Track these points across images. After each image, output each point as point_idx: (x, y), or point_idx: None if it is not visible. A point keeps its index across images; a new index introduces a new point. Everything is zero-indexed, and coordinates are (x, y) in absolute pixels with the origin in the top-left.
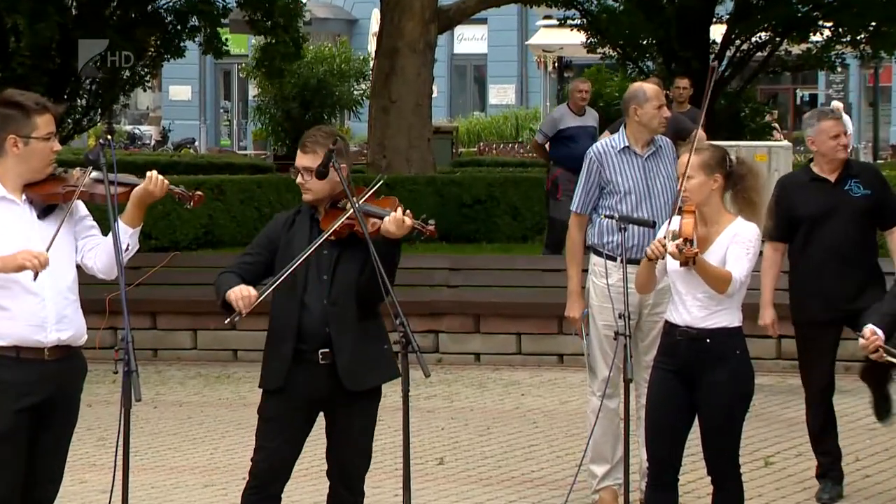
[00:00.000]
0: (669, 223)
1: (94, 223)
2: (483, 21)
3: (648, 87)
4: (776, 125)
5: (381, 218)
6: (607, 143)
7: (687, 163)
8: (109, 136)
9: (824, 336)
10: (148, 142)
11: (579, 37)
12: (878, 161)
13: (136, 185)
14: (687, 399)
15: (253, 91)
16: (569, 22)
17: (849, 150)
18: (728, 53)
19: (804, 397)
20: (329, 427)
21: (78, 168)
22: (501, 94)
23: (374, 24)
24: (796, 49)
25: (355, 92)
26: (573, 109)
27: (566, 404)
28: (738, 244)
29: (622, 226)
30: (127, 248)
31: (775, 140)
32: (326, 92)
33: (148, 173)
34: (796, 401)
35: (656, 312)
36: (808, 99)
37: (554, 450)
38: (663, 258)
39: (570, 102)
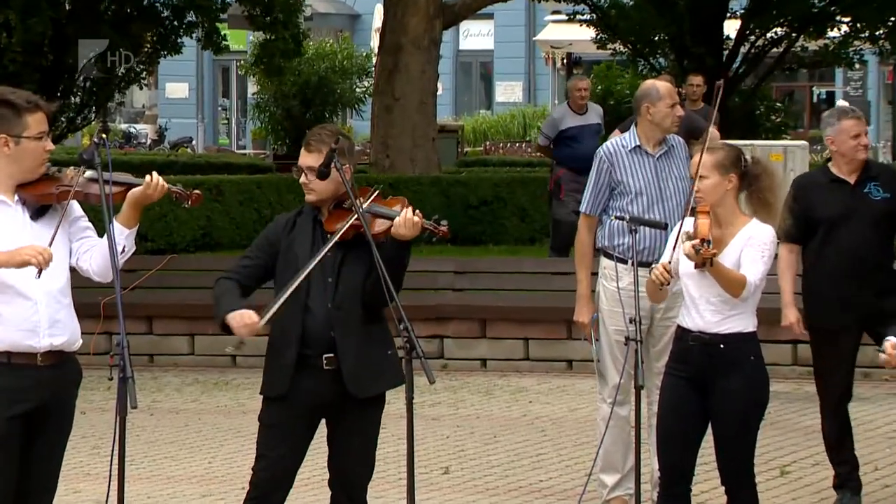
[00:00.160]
0: (680, 226)
1: (90, 224)
2: (489, 16)
3: (661, 85)
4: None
5: (391, 219)
6: (618, 142)
7: (699, 162)
8: (104, 135)
9: (840, 342)
10: (144, 141)
11: (589, 32)
12: None
13: (131, 185)
14: (700, 406)
15: (252, 88)
16: (578, 17)
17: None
18: (742, 50)
19: (819, 405)
20: (331, 434)
21: (72, 168)
22: (508, 92)
23: (377, 20)
24: (813, 45)
25: (358, 89)
26: (574, 108)
27: (575, 412)
28: (753, 247)
29: (633, 227)
30: (122, 250)
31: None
32: (328, 89)
33: (148, 176)
34: (813, 408)
35: (668, 317)
36: (824, 97)
37: (563, 459)
38: (668, 284)
39: (570, 101)
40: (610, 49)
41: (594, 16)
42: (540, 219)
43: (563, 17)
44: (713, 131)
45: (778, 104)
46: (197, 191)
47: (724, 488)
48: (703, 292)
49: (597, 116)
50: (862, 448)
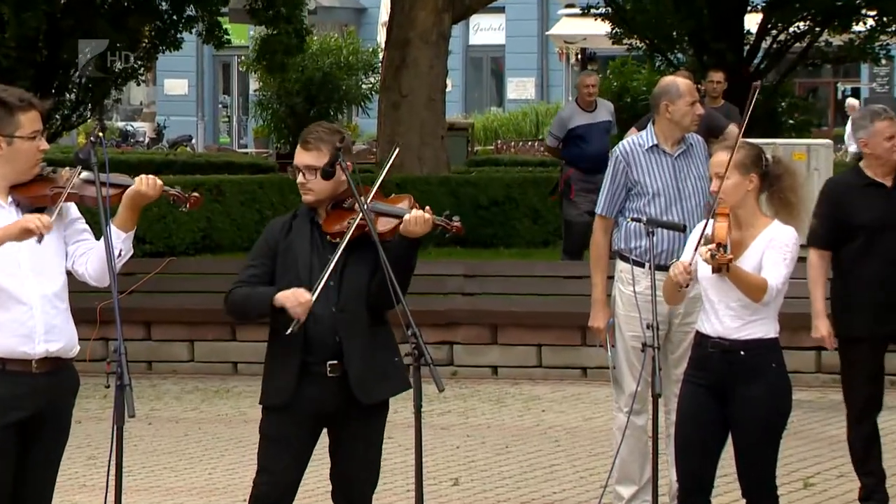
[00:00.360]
0: (704, 227)
1: (87, 226)
2: (501, 10)
3: (682, 82)
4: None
5: (398, 217)
6: (634, 141)
7: (727, 162)
8: (101, 134)
9: (870, 351)
10: (142, 139)
11: (604, 27)
12: None
13: (129, 187)
14: (720, 414)
15: (254, 85)
16: (592, 11)
17: None
18: (764, 44)
19: (846, 415)
20: (334, 443)
21: (67, 168)
22: (520, 89)
23: (384, 13)
24: (837, 39)
25: (364, 86)
26: (582, 106)
27: (590, 421)
28: (775, 249)
29: (650, 230)
30: (120, 254)
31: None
32: (333, 86)
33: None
34: (838, 418)
35: (687, 322)
36: (849, 93)
37: (577, 470)
38: (687, 286)
39: (579, 98)
40: (626, 44)
41: (609, 9)
42: (553, 220)
43: (577, 10)
44: (734, 129)
45: (801, 101)
46: (196, 193)
47: (744, 501)
48: (722, 297)
49: (607, 113)
50: (889, 459)
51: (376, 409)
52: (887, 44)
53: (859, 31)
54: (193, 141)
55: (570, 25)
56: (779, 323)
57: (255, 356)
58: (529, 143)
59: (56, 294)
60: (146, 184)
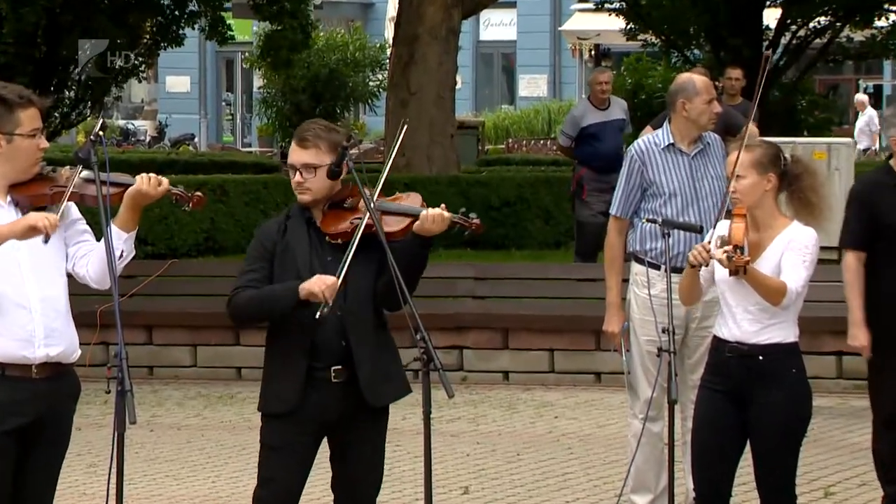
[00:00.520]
0: (722, 228)
1: (87, 227)
2: (512, 5)
3: (698, 79)
4: None
5: (413, 215)
6: (650, 139)
7: (734, 162)
8: (101, 132)
9: None
10: (143, 138)
11: (618, 22)
12: None
13: (130, 186)
14: (738, 419)
15: (258, 82)
16: (606, 6)
17: None
18: (783, 40)
19: (871, 420)
20: (336, 450)
21: (67, 167)
22: (532, 86)
23: (392, 9)
24: (859, 35)
25: (371, 83)
26: (595, 104)
27: (604, 428)
28: (794, 251)
29: (666, 231)
30: (121, 255)
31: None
32: (339, 83)
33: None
34: (859, 424)
35: (704, 326)
36: (871, 90)
37: (591, 478)
38: (707, 265)
39: (591, 96)
40: (641, 40)
41: (624, 4)
42: (565, 221)
43: (591, 5)
44: (752, 128)
45: (821, 98)
46: (199, 192)
47: None
48: (740, 300)
49: (620, 111)
50: None
51: (380, 411)
52: None
53: (881, 27)
54: (196, 140)
55: (584, 21)
56: (798, 327)
57: (260, 361)
58: (541, 142)
59: (57, 297)
60: (147, 183)
